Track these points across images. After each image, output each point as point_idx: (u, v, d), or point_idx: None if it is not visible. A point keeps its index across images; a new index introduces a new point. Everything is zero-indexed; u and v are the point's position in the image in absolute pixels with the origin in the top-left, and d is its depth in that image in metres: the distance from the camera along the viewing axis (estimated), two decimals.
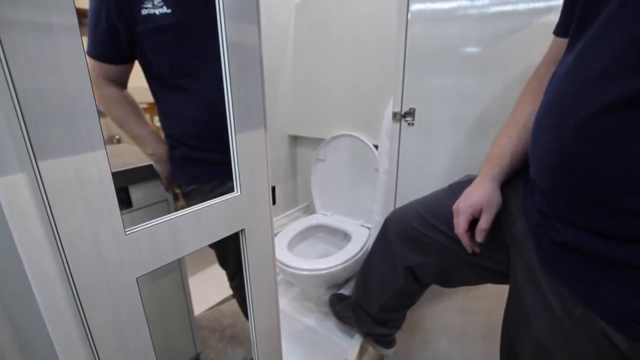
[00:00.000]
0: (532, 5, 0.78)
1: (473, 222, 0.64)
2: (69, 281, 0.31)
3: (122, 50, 0.76)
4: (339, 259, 1.19)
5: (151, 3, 0.71)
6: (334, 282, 1.25)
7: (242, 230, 0.49)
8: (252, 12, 0.44)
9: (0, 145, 0.27)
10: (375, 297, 0.90)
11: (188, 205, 0.89)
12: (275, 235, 1.42)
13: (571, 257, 0.44)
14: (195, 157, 0.84)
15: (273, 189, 0.54)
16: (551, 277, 0.47)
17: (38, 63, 0.27)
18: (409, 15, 0.94)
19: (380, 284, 0.87)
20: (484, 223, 0.61)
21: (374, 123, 1.35)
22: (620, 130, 0.36)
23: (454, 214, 0.65)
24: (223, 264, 0.97)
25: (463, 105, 0.93)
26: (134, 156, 0.94)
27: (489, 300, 1.02)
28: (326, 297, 1.32)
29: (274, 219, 1.69)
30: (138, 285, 0.36)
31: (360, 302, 0.96)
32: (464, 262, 0.70)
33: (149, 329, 0.39)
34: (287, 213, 1.74)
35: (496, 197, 0.61)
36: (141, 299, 0.37)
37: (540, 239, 0.49)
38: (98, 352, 0.35)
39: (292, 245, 1.37)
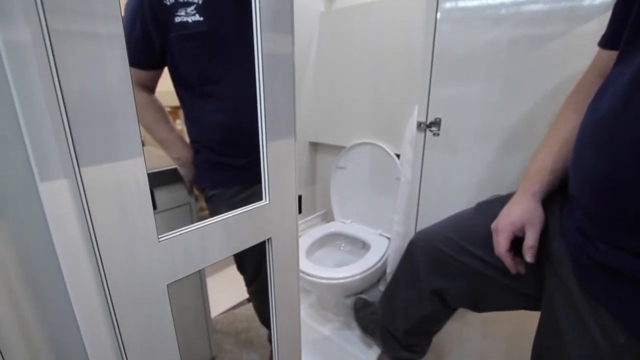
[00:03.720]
0: (569, 9, 0.74)
1: (513, 243, 0.61)
2: (104, 286, 0.31)
3: (155, 57, 0.78)
4: (357, 268, 1.18)
5: (184, 11, 0.73)
6: (352, 292, 1.23)
7: (268, 239, 0.48)
8: (286, 22, 0.44)
9: (46, 151, 0.27)
10: (401, 321, 0.87)
11: (210, 209, 0.92)
12: None
13: (614, 280, 0.41)
14: (219, 162, 0.85)
15: (299, 198, 0.54)
16: (591, 300, 0.45)
17: (85, 71, 0.27)
18: (439, 15, 0.92)
19: (406, 308, 0.84)
20: (530, 240, 0.57)
21: (396, 132, 1.33)
22: None
23: (494, 233, 0.61)
24: (241, 269, 0.97)
25: (492, 117, 0.90)
26: (158, 159, 0.96)
27: (511, 325, 0.98)
28: (344, 305, 1.30)
29: None
30: (169, 292, 0.36)
31: (387, 325, 0.93)
32: (498, 286, 0.66)
33: (177, 336, 0.39)
34: (305, 219, 1.73)
35: (539, 213, 0.58)
36: (170, 306, 0.37)
37: (580, 259, 0.47)
38: (127, 357, 0.35)
39: (310, 252, 1.36)
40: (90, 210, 0.29)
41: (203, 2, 0.74)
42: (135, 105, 0.31)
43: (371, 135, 1.46)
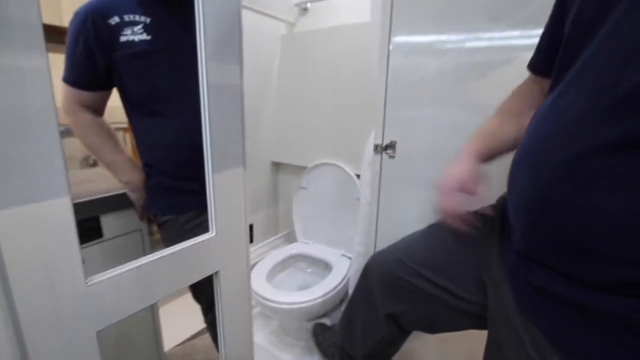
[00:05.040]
0: (507, 42, 0.82)
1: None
2: (21, 340, 0.28)
3: (99, 77, 0.76)
4: (319, 291, 1.16)
5: (130, 30, 0.72)
6: (314, 316, 1.21)
7: (216, 273, 0.46)
8: (234, 52, 0.44)
9: None
10: (359, 345, 0.86)
11: (163, 236, 0.87)
12: (254, 264, 1.39)
13: (547, 302, 0.44)
14: (172, 186, 0.82)
15: (251, 227, 0.53)
16: (527, 321, 0.47)
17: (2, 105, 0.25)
18: (391, 47, 0.97)
19: (363, 332, 0.83)
20: (471, 189, 0.56)
21: (356, 152, 1.36)
22: (595, 177, 0.36)
23: (437, 195, 0.60)
24: (196, 297, 0.92)
25: (444, 139, 0.95)
26: (108, 182, 0.90)
27: (468, 344, 1.00)
28: (306, 330, 1.27)
29: (254, 248, 1.64)
30: (98, 340, 0.34)
31: (346, 349, 0.92)
32: (448, 308, 0.67)
33: None
34: (267, 241, 1.70)
35: (479, 171, 0.58)
36: (100, 354, 0.34)
37: (517, 282, 0.49)
38: None
39: (271, 275, 1.33)
40: (5, 259, 0.27)
41: (151, 21, 0.73)
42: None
43: (332, 155, 1.48)
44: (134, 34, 0.72)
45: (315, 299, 1.13)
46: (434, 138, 0.97)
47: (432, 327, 0.74)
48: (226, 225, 0.46)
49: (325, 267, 1.41)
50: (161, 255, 0.38)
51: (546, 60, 0.54)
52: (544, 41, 0.57)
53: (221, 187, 0.44)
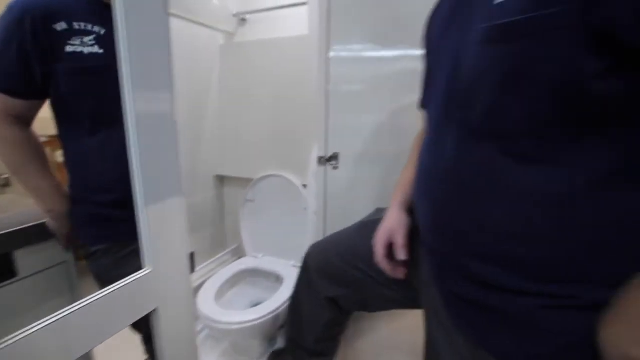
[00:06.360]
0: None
1: (390, 251, 0.68)
2: None
3: (34, 85, 0.65)
4: (271, 305, 1.15)
5: (80, 40, 0.64)
6: (268, 331, 1.19)
7: (154, 311, 0.43)
8: (164, 79, 0.42)
9: None
10: (308, 332, 0.91)
11: (94, 268, 0.79)
12: (202, 284, 1.32)
13: (462, 305, 0.48)
14: (106, 214, 0.74)
15: (191, 255, 0.51)
16: (456, 323, 0.50)
17: None
18: (329, 58, 1.00)
19: (309, 318, 0.89)
20: (398, 241, 0.65)
21: (302, 162, 1.37)
22: (460, 198, 0.44)
23: (374, 245, 0.69)
24: (135, 326, 0.85)
25: (385, 145, 1.00)
26: (24, 209, 0.79)
27: (414, 317, 1.06)
28: (261, 345, 1.24)
29: (200, 267, 1.57)
30: None
31: (297, 340, 0.95)
32: (379, 294, 0.76)
33: None
34: (215, 258, 1.63)
35: (403, 218, 0.67)
36: None
37: (442, 287, 0.52)
38: None
39: (220, 294, 1.28)
40: None
41: (106, 33, 0.65)
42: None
43: (278, 166, 1.47)
44: (84, 46, 0.64)
45: (267, 314, 1.11)
46: (376, 145, 1.01)
47: (368, 308, 0.85)
48: (164, 258, 0.44)
49: (277, 279, 1.40)
50: (88, 301, 0.35)
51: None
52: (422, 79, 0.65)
53: (156, 219, 0.42)
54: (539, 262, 0.39)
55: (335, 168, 1.07)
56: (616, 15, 0.30)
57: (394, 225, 0.67)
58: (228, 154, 1.60)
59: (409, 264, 0.67)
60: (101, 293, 0.37)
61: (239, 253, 1.73)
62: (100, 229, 0.76)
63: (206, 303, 1.15)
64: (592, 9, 0.31)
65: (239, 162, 1.59)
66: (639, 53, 0.31)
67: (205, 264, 1.57)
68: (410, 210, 0.69)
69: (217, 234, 1.71)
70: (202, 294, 1.21)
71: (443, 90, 0.47)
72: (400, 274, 0.68)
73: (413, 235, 0.67)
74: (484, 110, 0.40)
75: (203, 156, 1.58)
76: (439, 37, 0.51)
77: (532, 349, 0.40)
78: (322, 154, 1.07)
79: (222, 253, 1.68)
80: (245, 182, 1.54)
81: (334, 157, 1.06)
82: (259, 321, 1.10)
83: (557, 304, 0.38)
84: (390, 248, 0.68)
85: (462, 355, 0.49)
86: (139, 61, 0.38)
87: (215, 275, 1.35)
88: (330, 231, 1.11)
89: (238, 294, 1.40)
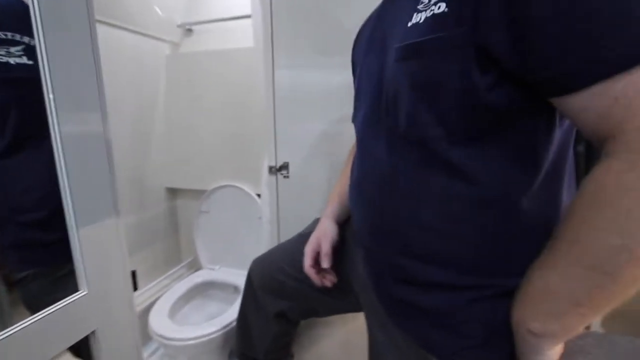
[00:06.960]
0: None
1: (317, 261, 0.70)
2: None
3: None
4: (228, 317, 1.14)
5: (5, 50, 0.61)
6: (227, 345, 1.17)
7: (92, 332, 0.43)
8: (93, 99, 0.43)
9: None
10: (258, 345, 0.91)
11: (24, 295, 0.74)
12: (155, 301, 1.27)
13: (399, 305, 0.50)
14: (33, 238, 0.70)
15: (133, 273, 0.50)
16: (398, 325, 0.52)
17: None
18: (275, 71, 1.02)
19: (258, 333, 0.90)
20: (323, 249, 0.67)
21: (255, 172, 1.38)
22: (395, 207, 0.47)
23: (304, 256, 0.71)
24: (77, 353, 0.81)
25: (335, 153, 1.03)
26: None
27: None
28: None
29: (154, 282, 1.52)
30: None
31: (247, 352, 0.95)
32: (324, 303, 0.79)
33: None
34: (169, 273, 1.58)
35: (330, 229, 0.70)
36: None
37: (377, 287, 0.54)
38: None
39: (175, 310, 1.24)
40: None
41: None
42: None
43: (231, 177, 1.47)
44: (10, 56, 0.61)
45: (224, 326, 1.11)
46: (324, 154, 1.05)
47: (318, 314, 0.88)
48: (101, 280, 0.43)
49: (235, 290, 1.39)
50: (12, 331, 0.34)
51: None
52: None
53: (90, 241, 0.42)
54: (464, 258, 0.43)
55: (286, 177, 1.09)
56: (496, 40, 0.36)
57: (320, 235, 0.70)
58: (179, 165, 1.57)
59: (348, 269, 0.69)
60: (33, 318, 0.36)
61: (195, 266, 1.69)
62: (27, 254, 0.72)
63: (159, 320, 1.12)
64: (477, 33, 0.36)
65: (191, 174, 1.56)
66: (514, 73, 0.37)
67: (160, 279, 1.51)
68: (344, 220, 0.73)
69: (171, 248, 1.66)
70: (154, 311, 1.18)
71: (370, 102, 0.51)
72: (327, 282, 0.70)
73: (348, 242, 0.70)
74: (405, 118, 0.44)
75: (153, 169, 1.53)
76: (364, 56, 0.56)
77: (465, 343, 0.43)
78: (272, 163, 1.09)
79: (177, 267, 1.63)
80: (198, 194, 1.52)
81: (284, 167, 1.09)
82: (215, 334, 1.09)
83: (481, 295, 0.42)
84: (317, 257, 0.70)
85: (405, 354, 0.51)
86: (62, 82, 0.39)
87: (170, 290, 1.31)
88: (284, 239, 1.13)
89: (194, 308, 1.37)
